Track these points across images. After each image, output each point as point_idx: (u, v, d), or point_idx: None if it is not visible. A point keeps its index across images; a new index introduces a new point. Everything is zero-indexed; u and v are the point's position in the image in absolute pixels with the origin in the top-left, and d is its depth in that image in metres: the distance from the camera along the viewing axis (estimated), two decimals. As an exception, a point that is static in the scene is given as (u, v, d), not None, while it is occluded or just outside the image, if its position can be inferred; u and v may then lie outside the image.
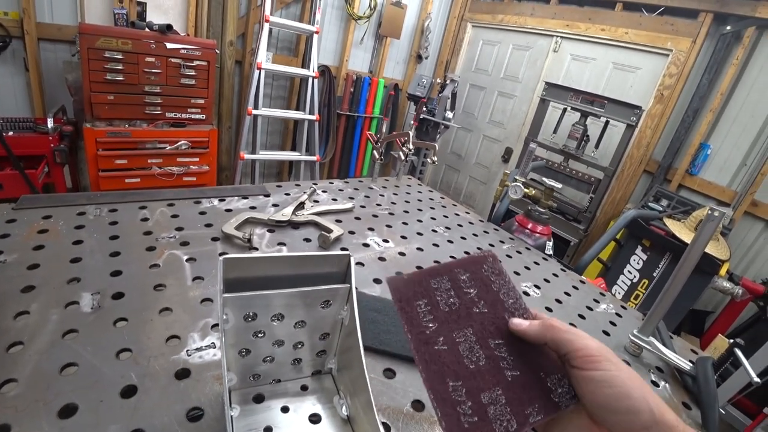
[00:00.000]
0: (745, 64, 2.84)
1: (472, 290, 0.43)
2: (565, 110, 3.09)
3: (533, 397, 0.37)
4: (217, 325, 0.67)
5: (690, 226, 2.50)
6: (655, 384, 0.78)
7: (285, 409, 0.52)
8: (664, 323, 0.96)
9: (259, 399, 0.53)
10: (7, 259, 0.75)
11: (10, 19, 2.44)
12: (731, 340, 0.78)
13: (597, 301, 1.03)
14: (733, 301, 2.62)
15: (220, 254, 0.87)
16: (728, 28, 2.83)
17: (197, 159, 2.77)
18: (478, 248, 1.12)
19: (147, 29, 2.51)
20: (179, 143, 2.65)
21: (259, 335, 0.48)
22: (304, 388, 0.56)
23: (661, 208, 2.81)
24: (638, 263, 2.68)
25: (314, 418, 0.52)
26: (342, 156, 4.27)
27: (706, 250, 2.29)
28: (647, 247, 2.64)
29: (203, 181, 2.84)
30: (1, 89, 2.58)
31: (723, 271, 2.41)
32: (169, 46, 2.51)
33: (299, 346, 0.52)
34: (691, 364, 0.81)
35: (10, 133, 2.32)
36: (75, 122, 2.67)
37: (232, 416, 0.45)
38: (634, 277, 2.69)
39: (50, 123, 2.40)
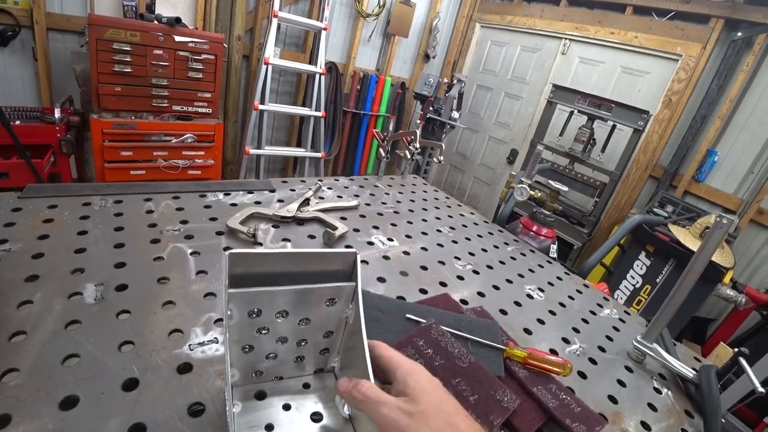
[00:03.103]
0: (756, 71, 2.82)
1: (429, 350, 0.63)
2: (571, 113, 3.08)
3: (491, 408, 0.56)
4: (220, 320, 0.67)
5: (695, 232, 2.48)
6: (658, 391, 0.78)
7: (287, 407, 0.52)
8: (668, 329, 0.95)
9: (260, 396, 0.53)
10: (12, 247, 0.75)
11: (20, 9, 2.44)
12: (735, 349, 0.77)
13: (600, 306, 1.02)
14: (736, 310, 2.60)
15: (225, 248, 0.87)
16: (739, 34, 2.80)
17: (202, 152, 2.77)
18: (483, 249, 1.11)
19: (156, 22, 2.51)
20: (185, 136, 2.65)
21: (263, 332, 0.48)
22: (306, 386, 0.56)
23: (666, 214, 2.80)
24: (641, 269, 2.66)
25: (316, 417, 0.52)
26: (347, 153, 4.27)
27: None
28: (651, 253, 2.62)
29: (208, 175, 2.84)
30: (9, 78, 2.59)
31: (727, 278, 2.39)
32: (178, 39, 2.51)
33: (303, 343, 0.52)
34: (694, 372, 0.81)
35: (18, 122, 2.32)
36: (82, 113, 2.68)
37: (234, 413, 0.45)
38: (637, 282, 2.68)
39: (57, 113, 2.40)
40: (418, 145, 1.21)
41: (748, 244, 2.88)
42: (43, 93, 2.66)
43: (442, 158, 1.33)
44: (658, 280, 2.59)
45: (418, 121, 1.24)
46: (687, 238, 2.45)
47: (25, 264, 0.71)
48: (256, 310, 0.45)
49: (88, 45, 2.34)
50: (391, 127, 1.32)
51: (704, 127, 3.03)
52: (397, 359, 0.44)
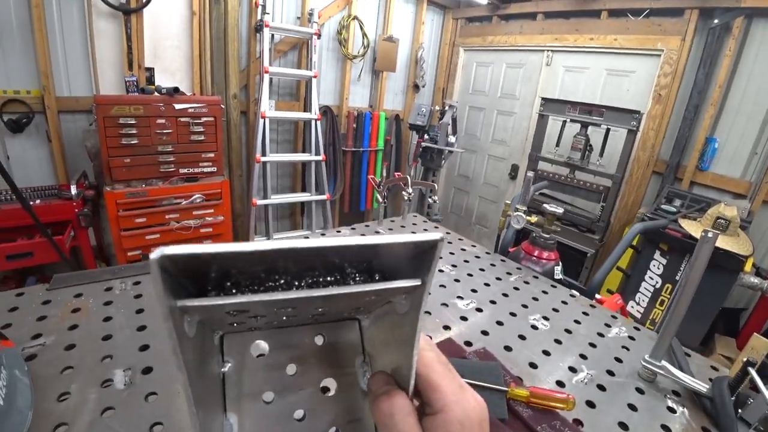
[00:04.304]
0: (739, 54, 2.83)
1: None
2: (565, 122, 3.12)
3: None
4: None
5: (706, 224, 2.45)
6: (672, 411, 0.78)
7: (291, 370, 0.38)
8: (678, 341, 0.96)
9: (256, 350, 0.37)
10: (46, 341, 0.80)
11: (32, 97, 2.62)
12: (744, 359, 0.78)
13: (608, 326, 1.03)
14: (764, 297, 2.54)
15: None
16: (716, 21, 2.83)
17: (212, 210, 2.88)
18: (486, 284, 1.14)
19: (156, 93, 2.67)
20: (194, 197, 2.77)
21: (253, 318, 0.31)
22: (317, 337, 0.40)
23: (675, 209, 2.77)
24: (658, 268, 2.63)
25: (327, 385, 0.39)
26: (351, 191, 4.35)
27: (726, 247, 2.24)
28: (665, 251, 2.59)
29: (219, 231, 2.94)
30: (27, 161, 2.74)
31: (748, 266, 2.34)
32: (178, 106, 2.66)
33: (316, 315, 0.36)
34: (709, 384, 0.81)
35: (38, 201, 2.45)
36: (96, 185, 2.81)
37: (223, 372, 0.34)
38: (657, 282, 2.64)
39: (73, 189, 2.53)
40: (410, 190, 1.27)
41: (765, 226, 2.82)
42: (59, 171, 2.81)
43: (437, 198, 1.38)
44: (677, 278, 2.56)
45: (411, 164, 1.29)
46: (699, 231, 2.42)
47: (59, 357, 0.77)
48: (233, 311, 0.27)
49: (96, 123, 2.49)
50: (385, 173, 1.38)
51: (698, 116, 3.03)
52: (445, 395, 0.29)
